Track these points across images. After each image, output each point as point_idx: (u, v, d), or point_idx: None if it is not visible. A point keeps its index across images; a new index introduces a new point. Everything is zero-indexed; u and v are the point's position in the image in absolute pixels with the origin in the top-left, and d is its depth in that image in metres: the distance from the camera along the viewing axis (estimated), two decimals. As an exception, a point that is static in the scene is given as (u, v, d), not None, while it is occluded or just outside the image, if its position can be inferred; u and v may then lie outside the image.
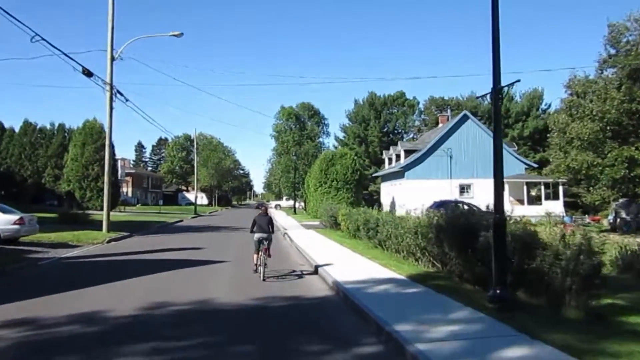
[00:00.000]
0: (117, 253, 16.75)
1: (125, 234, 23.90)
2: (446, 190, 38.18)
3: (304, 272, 12.61)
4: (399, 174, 40.63)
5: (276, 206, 68.82)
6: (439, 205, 34.72)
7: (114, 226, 26.64)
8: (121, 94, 24.50)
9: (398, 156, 43.22)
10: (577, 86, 32.19)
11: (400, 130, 62.30)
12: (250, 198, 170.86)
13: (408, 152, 40.26)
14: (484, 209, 12.49)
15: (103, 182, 48.37)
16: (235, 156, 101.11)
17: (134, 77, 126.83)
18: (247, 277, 11.48)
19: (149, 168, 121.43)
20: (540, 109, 64.71)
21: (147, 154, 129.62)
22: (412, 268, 12.06)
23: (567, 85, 33.13)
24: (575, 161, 30.45)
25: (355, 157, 40.98)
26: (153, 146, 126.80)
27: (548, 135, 61.05)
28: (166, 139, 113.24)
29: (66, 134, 54.36)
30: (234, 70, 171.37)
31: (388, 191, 46.49)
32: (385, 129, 60.11)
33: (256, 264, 11.45)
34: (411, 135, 62.63)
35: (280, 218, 41.47)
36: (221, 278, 11.75)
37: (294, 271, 12.78)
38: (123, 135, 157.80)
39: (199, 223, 37.06)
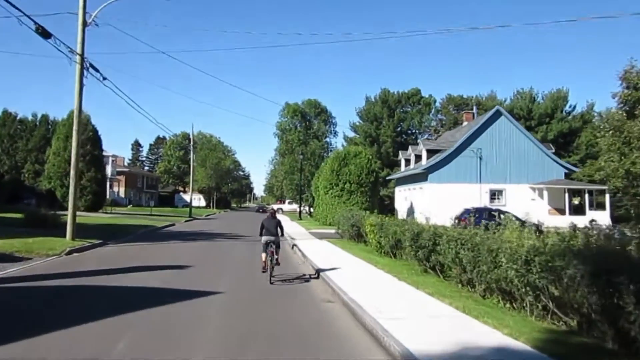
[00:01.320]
0: (68, 273, 12.02)
1: (96, 242, 19.21)
2: (474, 196, 33.53)
3: (334, 316, 8.00)
4: (419, 177, 36.00)
5: (277, 210, 63.94)
6: (473, 213, 30.18)
7: (86, 231, 22.13)
8: (95, 69, 19.85)
9: (418, 157, 38.56)
10: (636, 78, 27.58)
11: (414, 130, 57.54)
12: (250, 201, 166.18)
13: (431, 153, 35.66)
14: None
15: (88, 180, 44.01)
16: (235, 157, 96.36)
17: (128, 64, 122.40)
18: (250, 329, 6.81)
19: (146, 168, 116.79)
20: (564, 111, 60.14)
21: (144, 153, 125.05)
22: (520, 321, 7.38)
23: (622, 78, 28.51)
24: (636, 165, 25.85)
25: (371, 157, 36.30)
26: (150, 145, 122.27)
27: (578, 136, 56.99)
28: (164, 138, 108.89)
29: (50, 126, 49.79)
30: (232, 60, 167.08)
31: (404, 196, 41.79)
32: (399, 129, 55.33)
33: (265, 262, 11.42)
34: (426, 136, 57.90)
35: (285, 224, 36.75)
36: (204, 335, 7.04)
37: (317, 305, 8.19)
38: (118, 133, 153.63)
39: (192, 228, 32.34)
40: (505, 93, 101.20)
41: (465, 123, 40.67)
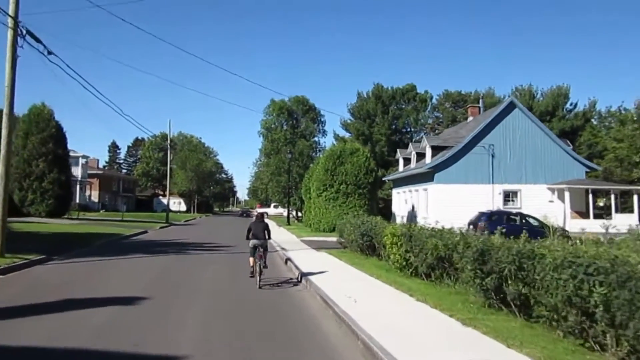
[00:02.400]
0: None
1: (35, 257, 14.91)
2: (486, 197, 29.87)
3: None
4: (422, 177, 32.20)
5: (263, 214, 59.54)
6: (489, 216, 26.36)
7: (30, 243, 18.32)
8: (36, 39, 15.61)
9: (420, 155, 34.75)
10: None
11: (410, 129, 53.79)
12: (233, 205, 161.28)
13: (436, 150, 31.86)
14: None
15: (50, 182, 39.14)
16: (217, 158, 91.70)
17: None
18: None
19: (124, 171, 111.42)
20: (565, 109, 57.13)
21: (122, 155, 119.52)
22: None
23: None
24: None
25: (369, 155, 32.40)
26: (129, 147, 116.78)
27: (580, 135, 53.86)
28: (143, 139, 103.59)
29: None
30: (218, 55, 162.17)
31: (404, 199, 37.97)
32: (393, 126, 51.45)
33: (252, 267, 11.32)
34: (422, 135, 54.18)
35: (272, 231, 32.82)
36: None
37: None
38: (94, 134, 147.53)
39: (165, 237, 28.04)
40: (503, 90, 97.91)
41: (470, 118, 37.03)
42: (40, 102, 38.29)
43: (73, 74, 23.40)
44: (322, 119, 57.67)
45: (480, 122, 32.19)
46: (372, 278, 11.69)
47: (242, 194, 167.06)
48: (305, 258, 16.00)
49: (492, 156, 30.22)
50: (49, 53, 16.81)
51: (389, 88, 53.02)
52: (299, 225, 39.51)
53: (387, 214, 39.94)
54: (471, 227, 22.47)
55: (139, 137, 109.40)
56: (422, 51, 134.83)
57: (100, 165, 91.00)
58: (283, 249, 20.18)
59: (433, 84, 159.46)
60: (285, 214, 71.74)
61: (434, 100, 54.72)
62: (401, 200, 38.87)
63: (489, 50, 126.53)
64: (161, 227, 37.38)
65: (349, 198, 30.07)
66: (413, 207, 34.85)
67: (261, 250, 11.14)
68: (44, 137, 37.15)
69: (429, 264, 10.37)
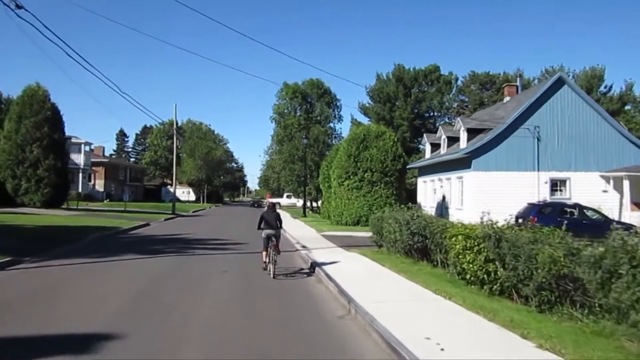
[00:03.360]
0: None
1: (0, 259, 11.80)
2: (531, 187, 26.31)
3: None
4: (457, 164, 28.66)
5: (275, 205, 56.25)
6: (540, 208, 22.86)
7: (5, 238, 15.25)
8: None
9: (452, 139, 31.11)
10: None
11: (433, 113, 50.02)
12: (244, 195, 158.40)
13: (472, 134, 28.26)
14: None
15: (45, 169, 35.88)
16: (227, 146, 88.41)
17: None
18: None
19: (132, 159, 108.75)
20: (599, 92, 53.03)
21: (130, 144, 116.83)
22: None
23: None
24: None
25: (396, 139, 28.89)
26: (137, 135, 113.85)
27: (616, 119, 49.79)
28: (152, 127, 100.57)
29: (3, 105, 41.89)
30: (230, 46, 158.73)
31: (432, 188, 34.45)
32: (416, 110, 47.68)
33: (265, 262, 11.18)
34: (443, 120, 50.43)
35: (287, 223, 29.60)
36: None
37: None
38: (102, 123, 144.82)
39: (168, 230, 24.92)
40: (532, 72, 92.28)
41: (507, 98, 33.25)
42: (34, 83, 35.07)
43: (51, 36, 20.03)
44: (338, 104, 54.25)
45: (522, 102, 28.50)
46: (441, 298, 8.33)
47: (252, 184, 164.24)
48: (336, 262, 12.67)
49: (538, 140, 26.54)
50: (18, 7, 13.61)
51: (411, 69, 49.20)
52: (316, 217, 36.21)
53: (411, 205, 36.46)
54: (519, 220, 18.98)
55: (148, 125, 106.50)
56: (444, 30, 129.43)
57: (108, 154, 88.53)
58: (304, 247, 16.90)
59: (456, 66, 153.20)
60: (298, 204, 68.53)
61: (458, 82, 50.80)
62: (428, 190, 35.35)
63: (516, 30, 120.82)
64: (166, 219, 34.32)
65: (374, 187, 26.67)
66: (444, 197, 31.35)
67: (274, 240, 11.00)
68: (39, 121, 34.05)
69: (538, 284, 6.95)
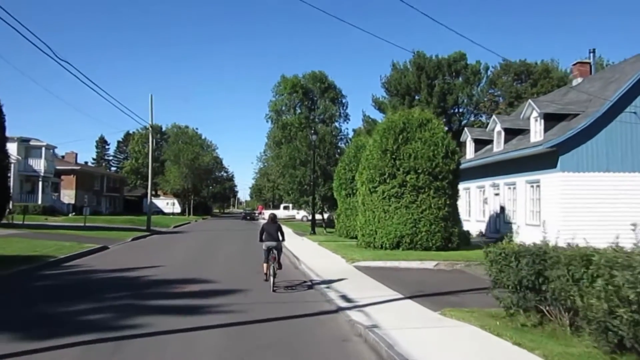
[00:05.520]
0: None
1: None
2: (633, 191, 18.79)
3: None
4: (526, 163, 21.09)
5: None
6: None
7: None
8: None
9: (512, 132, 23.57)
10: None
11: (462, 109, 42.35)
12: (234, 206, 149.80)
13: (551, 122, 20.63)
14: None
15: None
16: (216, 153, 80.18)
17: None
18: None
19: (113, 168, 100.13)
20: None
21: (111, 152, 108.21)
22: None
23: None
24: None
25: (446, 129, 21.15)
26: (119, 142, 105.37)
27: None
28: (134, 133, 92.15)
29: None
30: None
31: (481, 197, 26.72)
32: (442, 104, 39.92)
33: (266, 273, 11.05)
34: (472, 117, 42.87)
35: (293, 245, 21.76)
36: None
37: None
38: (78, 127, 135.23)
39: (127, 261, 16.89)
40: (565, 62, 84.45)
41: (578, 80, 25.64)
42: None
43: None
44: (344, 100, 46.50)
45: (613, 80, 21.05)
46: None
47: (243, 194, 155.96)
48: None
49: (650, 128, 19.04)
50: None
51: (433, 57, 41.57)
52: (331, 235, 28.19)
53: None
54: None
55: (130, 132, 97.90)
56: (467, 17, 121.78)
57: (85, 162, 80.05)
58: (344, 297, 9.13)
59: (481, 56, 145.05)
60: (298, 216, 60.26)
61: (488, 73, 43.26)
62: (473, 200, 27.60)
63: (548, 17, 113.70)
64: (135, 238, 26.25)
65: (420, 195, 18.86)
66: (502, 209, 23.69)
67: (275, 252, 10.85)
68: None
69: None
